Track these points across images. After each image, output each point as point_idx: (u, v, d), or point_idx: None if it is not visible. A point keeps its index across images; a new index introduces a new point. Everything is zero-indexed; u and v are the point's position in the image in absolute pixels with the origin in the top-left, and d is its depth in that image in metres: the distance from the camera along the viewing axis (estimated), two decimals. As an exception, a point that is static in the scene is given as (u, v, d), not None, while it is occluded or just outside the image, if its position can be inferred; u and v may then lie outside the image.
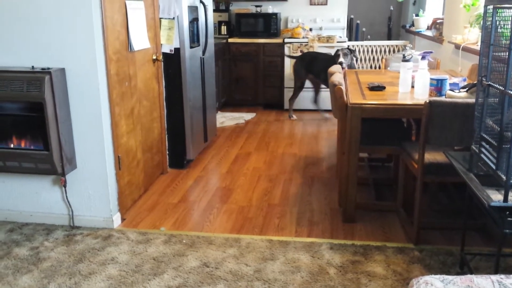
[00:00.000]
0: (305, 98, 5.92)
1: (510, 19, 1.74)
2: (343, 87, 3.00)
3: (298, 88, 5.67)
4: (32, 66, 2.71)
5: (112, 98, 2.85)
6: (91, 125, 2.80)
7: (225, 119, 5.64)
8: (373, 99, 2.87)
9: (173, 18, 3.64)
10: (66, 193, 2.92)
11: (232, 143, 4.77)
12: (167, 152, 3.92)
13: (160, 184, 3.66)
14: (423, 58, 3.61)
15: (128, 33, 3.05)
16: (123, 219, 3.04)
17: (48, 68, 2.66)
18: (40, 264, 2.55)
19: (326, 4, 6.40)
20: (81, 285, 2.34)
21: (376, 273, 2.40)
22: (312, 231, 2.89)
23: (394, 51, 6.04)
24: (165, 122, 3.85)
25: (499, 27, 1.90)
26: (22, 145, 2.81)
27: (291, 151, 4.50)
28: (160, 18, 3.62)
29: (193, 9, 3.91)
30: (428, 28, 5.70)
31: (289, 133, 5.15)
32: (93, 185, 2.90)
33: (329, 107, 5.58)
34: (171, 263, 2.53)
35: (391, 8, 7.19)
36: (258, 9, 6.38)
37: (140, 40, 3.23)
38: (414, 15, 6.25)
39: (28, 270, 2.49)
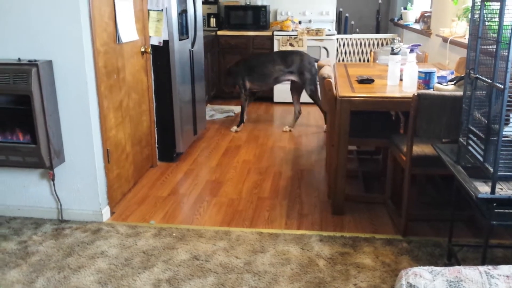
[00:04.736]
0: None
1: (497, 12, 1.75)
2: (332, 80, 3.01)
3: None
4: (19, 58, 2.67)
5: (100, 91, 2.82)
6: (79, 118, 2.77)
7: (215, 112, 5.62)
8: (362, 92, 2.88)
9: (162, 10, 3.61)
10: (54, 186, 2.89)
11: (222, 136, 4.76)
12: (157, 145, 3.89)
13: (150, 177, 3.65)
14: (411, 51, 3.62)
15: (116, 25, 3.02)
16: (112, 213, 3.03)
17: (35, 60, 2.62)
18: (28, 258, 2.53)
19: (315, -4, 6.40)
20: (70, 279, 2.33)
21: (365, 265, 2.43)
22: (302, 224, 2.91)
23: (382, 44, 6.06)
24: (154, 115, 3.82)
25: (486, 20, 1.92)
26: (10, 138, 2.78)
27: (280, 144, 4.51)
28: (149, 10, 3.59)
29: (181, 1, 3.88)
30: (416, 21, 5.72)
31: (278, 126, 5.15)
32: (82, 179, 2.87)
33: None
34: (161, 256, 2.52)
35: (380, 1, 7.21)
36: (247, 2, 6.35)
37: (128, 32, 3.20)
38: (402, 8, 6.27)
39: (16, 265, 2.47)
